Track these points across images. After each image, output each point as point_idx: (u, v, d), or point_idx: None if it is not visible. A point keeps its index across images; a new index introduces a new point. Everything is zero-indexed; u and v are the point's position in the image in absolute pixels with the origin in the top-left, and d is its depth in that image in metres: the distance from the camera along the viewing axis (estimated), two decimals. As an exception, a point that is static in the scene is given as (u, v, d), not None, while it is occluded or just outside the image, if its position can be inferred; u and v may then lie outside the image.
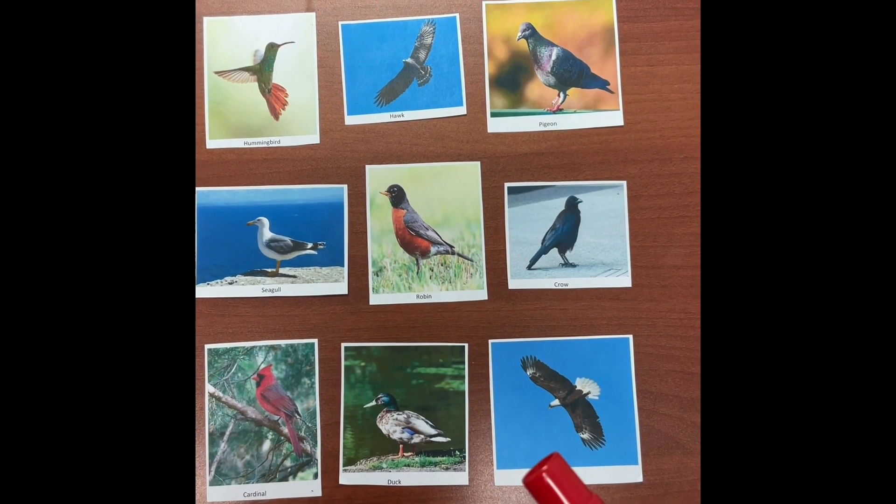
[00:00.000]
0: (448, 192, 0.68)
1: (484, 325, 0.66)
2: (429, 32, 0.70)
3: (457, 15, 0.71)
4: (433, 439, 0.65)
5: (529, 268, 0.67)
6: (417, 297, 0.67)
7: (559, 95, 0.70)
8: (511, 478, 0.64)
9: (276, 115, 0.70)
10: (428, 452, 0.64)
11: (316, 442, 0.65)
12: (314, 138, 0.69)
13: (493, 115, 0.69)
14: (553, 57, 0.70)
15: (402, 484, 0.64)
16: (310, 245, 0.68)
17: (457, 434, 0.65)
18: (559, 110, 0.69)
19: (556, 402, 0.65)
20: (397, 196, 0.68)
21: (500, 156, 0.68)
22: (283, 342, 0.66)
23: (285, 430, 0.65)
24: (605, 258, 0.67)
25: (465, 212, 0.68)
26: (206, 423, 0.65)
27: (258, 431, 0.65)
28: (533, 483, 0.58)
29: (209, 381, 0.66)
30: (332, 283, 0.67)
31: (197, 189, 0.68)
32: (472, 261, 0.67)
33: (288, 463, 0.65)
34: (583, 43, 0.70)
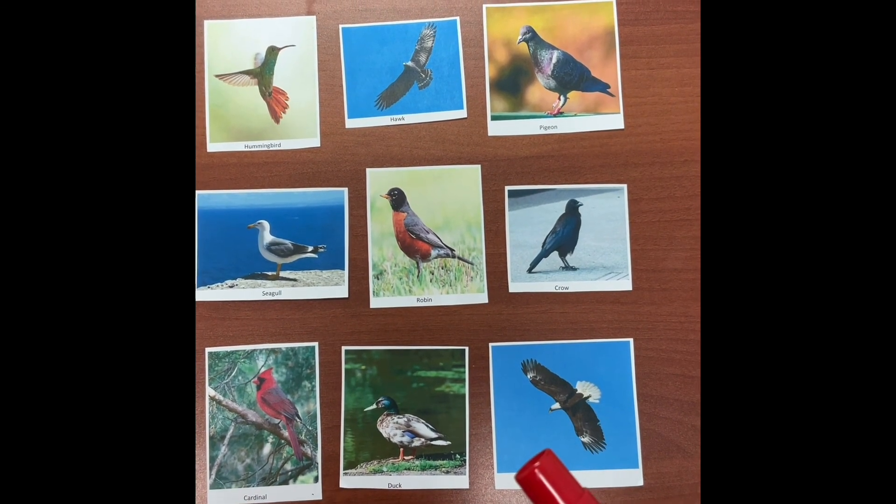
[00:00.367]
0: (448, 195, 0.68)
1: (484, 329, 0.66)
2: (429, 36, 0.70)
3: (457, 18, 0.71)
4: (434, 443, 0.64)
5: (530, 271, 0.67)
6: (418, 300, 0.67)
7: (560, 99, 0.70)
8: (511, 481, 0.64)
9: (276, 118, 0.70)
10: (428, 456, 0.64)
11: (316, 445, 0.65)
12: (315, 141, 0.69)
13: (494, 118, 0.69)
14: (553, 60, 0.70)
15: (403, 487, 0.64)
16: (310, 248, 0.68)
17: (457, 437, 0.65)
18: (560, 113, 0.69)
19: (556, 405, 0.65)
20: (398, 199, 0.68)
21: (500, 159, 0.68)
22: (283, 345, 0.66)
23: (286, 433, 0.65)
24: (605, 261, 0.67)
25: (465, 215, 0.68)
26: (207, 426, 0.65)
27: (259, 435, 0.65)
28: (525, 479, 0.59)
29: (210, 385, 0.66)
30: (332, 286, 0.67)
31: (197, 192, 0.68)
32: (472, 264, 0.67)
33: (288, 466, 0.65)
34: (583, 46, 0.70)
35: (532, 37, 0.70)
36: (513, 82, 0.70)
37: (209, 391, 0.66)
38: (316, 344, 0.66)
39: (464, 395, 0.65)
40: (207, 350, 0.66)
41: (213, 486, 0.64)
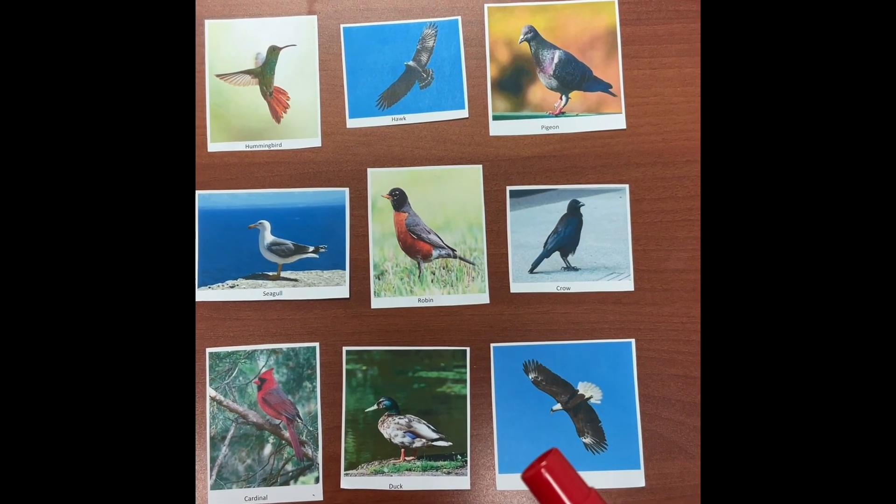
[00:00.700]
0: (450, 195, 0.68)
1: (486, 329, 0.66)
2: (430, 35, 0.70)
3: (459, 18, 0.70)
4: (435, 443, 0.64)
5: (531, 271, 0.67)
6: (419, 300, 0.66)
7: (561, 98, 0.70)
8: (513, 482, 0.63)
9: (277, 118, 0.69)
10: (429, 457, 0.64)
11: (317, 446, 0.65)
12: (316, 141, 0.69)
13: (495, 118, 0.69)
14: (555, 60, 0.70)
15: (404, 488, 0.64)
16: (311, 248, 0.67)
17: (458, 438, 0.64)
18: (561, 113, 0.69)
19: (558, 406, 0.65)
20: (399, 199, 0.68)
21: (502, 159, 0.68)
22: (284, 346, 0.66)
23: (286, 434, 0.65)
24: (607, 262, 0.67)
25: (466, 215, 0.68)
26: (208, 426, 0.65)
27: (259, 435, 0.65)
28: (532, 478, 0.58)
29: (210, 385, 0.66)
30: (333, 286, 0.67)
31: (198, 192, 0.68)
32: (473, 264, 0.67)
33: (289, 467, 0.64)
34: (585, 46, 0.70)
35: (534, 36, 0.70)
36: (514, 82, 0.70)
37: (210, 392, 0.65)
38: (317, 344, 0.66)
39: (465, 396, 0.65)
40: (208, 350, 0.66)
41: (213, 487, 0.64)
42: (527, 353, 0.66)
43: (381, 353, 0.66)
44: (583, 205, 0.68)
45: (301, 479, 0.64)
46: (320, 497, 0.64)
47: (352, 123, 0.69)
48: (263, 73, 0.70)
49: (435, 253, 0.67)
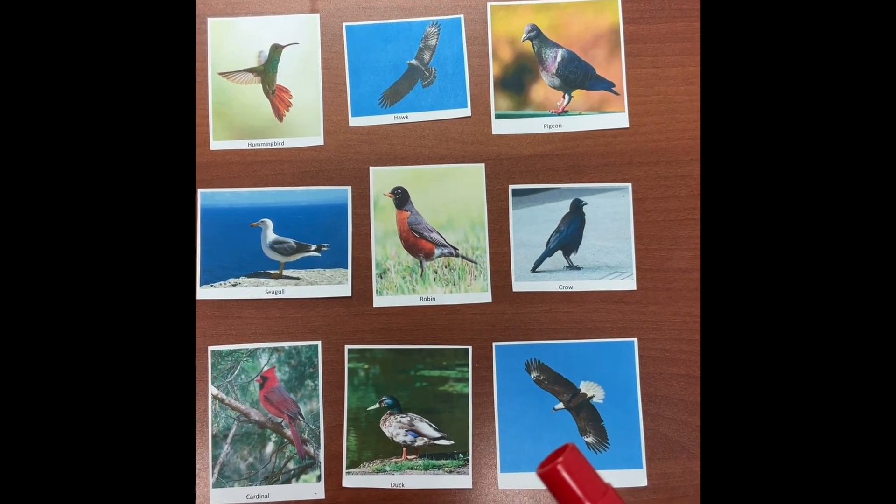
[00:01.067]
0: (452, 194, 0.68)
1: (488, 328, 0.66)
2: (433, 34, 0.70)
3: (461, 16, 0.70)
4: (437, 442, 0.64)
5: (534, 270, 0.67)
6: (421, 299, 0.66)
7: (564, 97, 0.69)
8: (515, 481, 0.63)
9: (279, 116, 0.69)
10: (431, 455, 0.64)
11: (319, 444, 0.65)
12: (318, 140, 0.69)
13: (498, 116, 0.69)
14: (558, 58, 0.70)
15: (406, 487, 0.64)
16: (313, 247, 0.67)
17: (460, 437, 0.64)
18: (564, 112, 0.69)
19: (560, 405, 0.65)
20: (401, 198, 0.68)
21: (504, 158, 0.68)
22: (286, 344, 0.66)
23: (288, 432, 0.65)
24: (609, 261, 0.67)
25: (469, 214, 0.68)
26: (210, 425, 0.65)
27: (261, 434, 0.65)
28: (547, 475, 0.58)
29: (213, 383, 0.66)
30: (335, 285, 0.67)
31: (200, 190, 0.68)
32: (476, 263, 0.67)
33: (291, 465, 0.64)
34: (588, 44, 0.70)
35: (536, 35, 0.70)
36: (517, 81, 0.70)
37: (212, 390, 0.65)
38: (319, 343, 0.66)
39: (467, 395, 0.65)
40: (210, 348, 0.66)
41: (215, 485, 0.64)
42: (529, 352, 0.66)
43: (383, 351, 0.66)
44: (585, 204, 0.68)
45: (303, 477, 0.64)
46: (322, 495, 0.64)
47: (354, 122, 0.69)
48: (266, 71, 0.70)
49: (437, 252, 0.67)
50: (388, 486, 0.64)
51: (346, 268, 0.67)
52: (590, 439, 0.64)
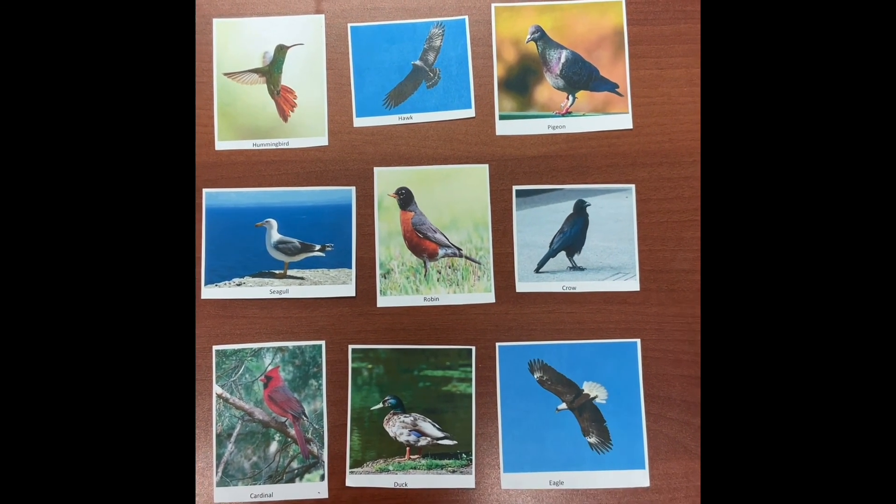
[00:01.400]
0: (456, 194, 0.68)
1: (491, 328, 0.66)
2: (438, 35, 0.70)
3: (466, 17, 0.71)
4: (440, 442, 0.64)
5: (537, 271, 0.67)
6: (425, 299, 0.67)
7: (568, 98, 0.70)
8: (518, 481, 0.63)
9: (284, 116, 0.70)
10: (435, 455, 0.64)
11: (323, 444, 0.65)
12: (322, 140, 0.69)
13: (502, 117, 0.69)
14: (562, 60, 0.70)
15: (409, 486, 0.64)
16: (318, 247, 0.68)
17: (463, 437, 0.65)
18: (568, 113, 0.69)
19: (563, 405, 0.65)
20: (405, 198, 0.68)
21: (508, 158, 0.68)
22: (290, 344, 0.66)
23: (292, 431, 0.65)
24: (613, 262, 0.67)
25: (472, 214, 0.68)
26: (214, 424, 0.65)
27: (265, 433, 0.65)
28: None
29: (217, 383, 0.66)
30: (339, 285, 0.67)
31: (205, 190, 0.68)
32: (479, 263, 0.67)
33: (295, 464, 0.65)
34: (592, 46, 0.70)
35: (541, 36, 0.70)
36: (521, 82, 0.70)
37: (216, 389, 0.66)
38: (323, 342, 0.66)
39: (470, 395, 0.65)
40: (215, 348, 0.66)
41: (219, 484, 0.64)
42: (532, 353, 0.66)
43: (386, 351, 0.66)
44: (589, 205, 0.68)
45: (306, 476, 0.64)
46: (325, 495, 0.64)
47: (358, 122, 0.69)
48: (271, 71, 0.70)
49: (441, 252, 0.68)
50: (391, 485, 0.64)
51: (350, 268, 0.67)
52: (593, 440, 0.64)
